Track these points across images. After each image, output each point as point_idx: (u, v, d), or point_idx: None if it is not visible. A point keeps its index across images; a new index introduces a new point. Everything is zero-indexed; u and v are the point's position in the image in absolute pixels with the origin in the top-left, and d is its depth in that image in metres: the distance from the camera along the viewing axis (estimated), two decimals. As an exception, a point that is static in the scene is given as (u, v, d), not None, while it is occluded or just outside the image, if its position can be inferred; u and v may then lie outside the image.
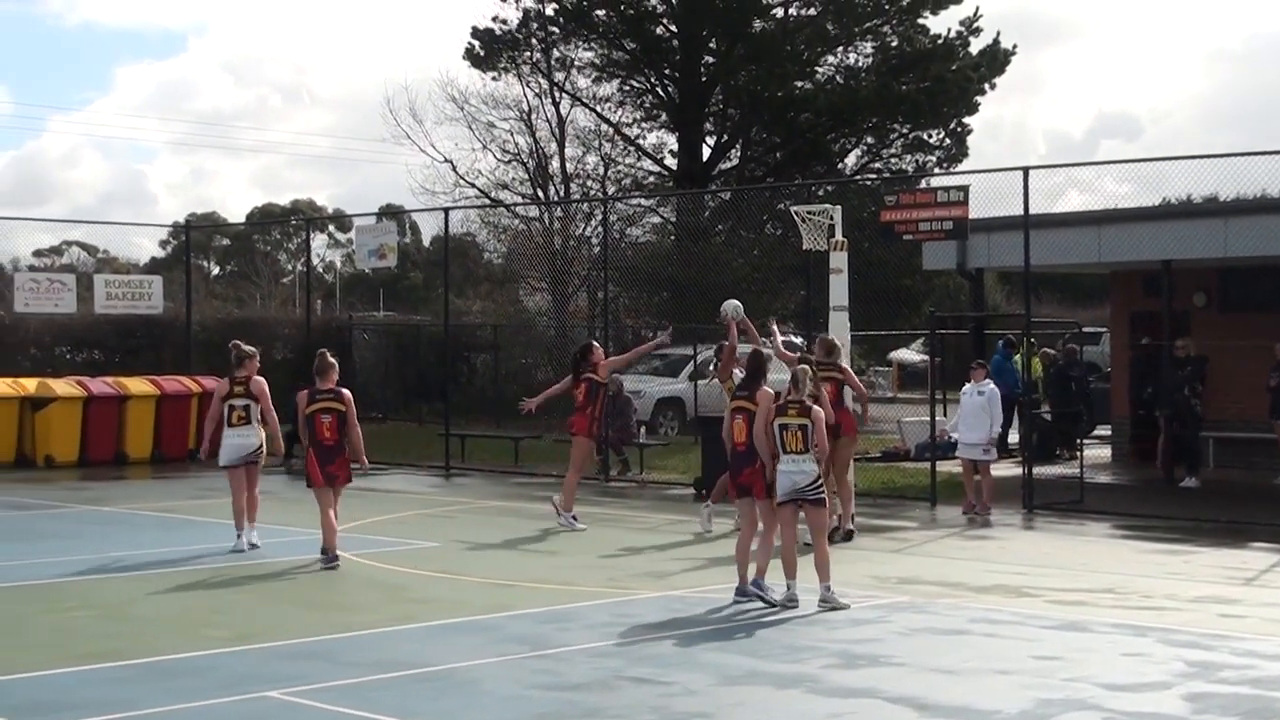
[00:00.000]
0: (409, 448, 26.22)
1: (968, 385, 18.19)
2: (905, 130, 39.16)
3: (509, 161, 39.37)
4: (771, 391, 12.06)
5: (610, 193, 38.96)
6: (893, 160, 39.72)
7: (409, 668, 9.63)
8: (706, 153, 39.65)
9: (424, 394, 33.98)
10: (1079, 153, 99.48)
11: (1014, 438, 22.86)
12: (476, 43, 39.79)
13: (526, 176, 39.48)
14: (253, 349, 15.40)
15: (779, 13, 39.14)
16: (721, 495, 15.25)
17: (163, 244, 62.42)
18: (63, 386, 24.67)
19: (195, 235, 41.57)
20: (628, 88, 40.07)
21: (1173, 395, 20.47)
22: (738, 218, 36.18)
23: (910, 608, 11.85)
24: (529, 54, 39.35)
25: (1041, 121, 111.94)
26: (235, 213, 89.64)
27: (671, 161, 40.08)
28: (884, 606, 11.87)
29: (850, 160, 40.16)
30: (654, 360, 29.47)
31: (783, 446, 11.69)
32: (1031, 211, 18.61)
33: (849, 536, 15.62)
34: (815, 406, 11.84)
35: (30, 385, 24.69)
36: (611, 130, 39.76)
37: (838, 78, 39.44)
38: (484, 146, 39.36)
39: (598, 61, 39.74)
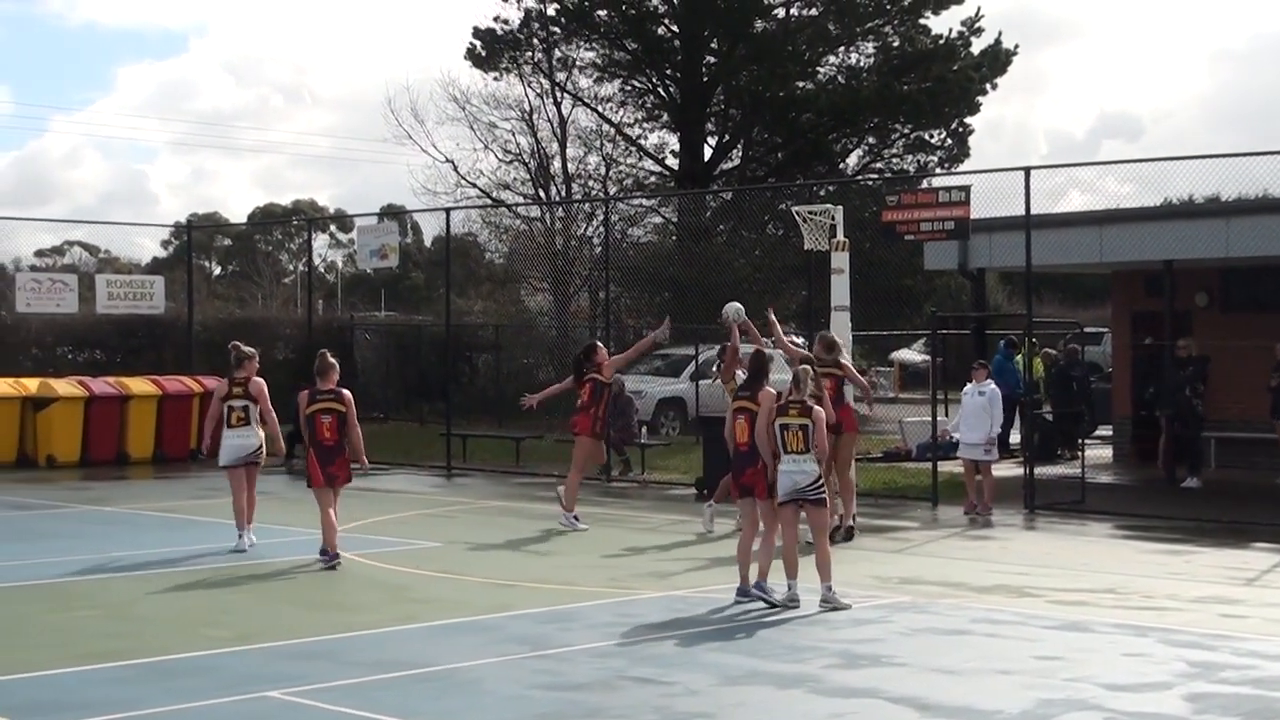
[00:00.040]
0: (410, 448, 26.21)
1: (969, 385, 18.18)
2: (907, 130, 39.16)
3: (510, 161, 39.42)
4: (774, 391, 12.07)
5: (612, 193, 38.96)
6: (894, 160, 39.72)
7: (410, 668, 9.62)
8: (708, 153, 39.67)
9: (425, 394, 33.96)
10: (1081, 153, 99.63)
11: (1015, 438, 22.85)
12: (478, 43, 39.83)
13: (528, 177, 39.50)
14: (252, 350, 15.40)
15: (780, 13, 39.14)
16: (724, 495, 15.24)
17: (164, 244, 62.62)
18: (64, 386, 24.67)
19: (197, 235, 41.56)
20: (629, 88, 40.09)
21: (1174, 395, 20.45)
22: (739, 218, 36.21)
23: (912, 608, 11.85)
24: (530, 54, 39.37)
25: (1043, 121, 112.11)
26: (237, 213, 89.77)
27: (673, 162, 40.10)
28: (885, 606, 11.86)
29: (852, 160, 40.19)
30: (655, 360, 29.46)
31: (784, 446, 11.68)
32: (1033, 212, 18.59)
33: (850, 534, 15.61)
34: (816, 407, 11.84)
35: (32, 385, 24.70)
36: (613, 130, 39.78)
37: (839, 78, 39.46)
38: (485, 147, 39.45)
39: (599, 61, 39.76)
